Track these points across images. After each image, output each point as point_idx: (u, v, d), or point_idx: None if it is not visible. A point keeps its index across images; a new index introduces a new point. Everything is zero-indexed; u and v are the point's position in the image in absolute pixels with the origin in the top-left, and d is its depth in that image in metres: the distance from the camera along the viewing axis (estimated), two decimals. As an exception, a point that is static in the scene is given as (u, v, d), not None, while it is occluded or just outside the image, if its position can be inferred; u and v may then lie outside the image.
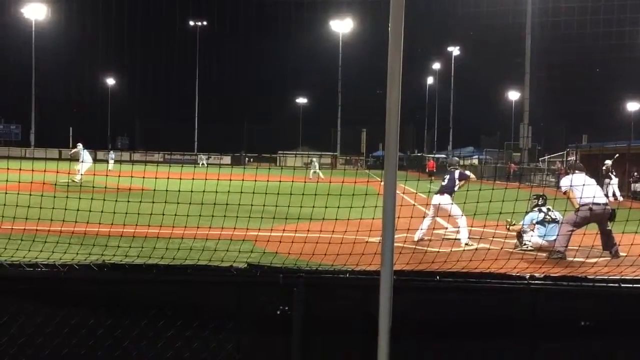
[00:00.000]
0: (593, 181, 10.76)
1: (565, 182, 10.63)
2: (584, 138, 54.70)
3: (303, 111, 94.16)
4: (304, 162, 56.85)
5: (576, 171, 10.94)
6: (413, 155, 73.02)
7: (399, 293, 3.30)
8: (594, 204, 9.88)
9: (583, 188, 9.77)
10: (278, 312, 3.64)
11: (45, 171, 5.21)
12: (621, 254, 8.90)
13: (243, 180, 5.70)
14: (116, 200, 5.42)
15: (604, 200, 10.31)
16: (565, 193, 10.38)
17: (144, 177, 5.36)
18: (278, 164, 64.78)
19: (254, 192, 4.96)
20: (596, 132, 56.57)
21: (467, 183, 11.67)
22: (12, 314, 3.67)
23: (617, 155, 25.21)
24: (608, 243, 9.67)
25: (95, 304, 3.75)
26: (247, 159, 64.05)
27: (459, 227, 11.20)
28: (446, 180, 11.88)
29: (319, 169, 37.04)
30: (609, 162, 24.90)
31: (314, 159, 42.74)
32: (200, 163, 50.03)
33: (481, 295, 3.80)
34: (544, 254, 9.84)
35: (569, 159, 35.16)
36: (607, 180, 24.69)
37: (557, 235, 9.93)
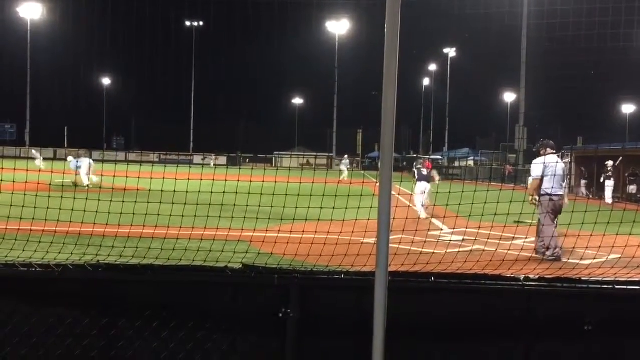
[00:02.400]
0: (562, 165, 10.74)
1: (536, 171, 10.22)
2: (579, 140, 54.89)
3: (299, 112, 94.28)
4: (299, 162, 56.75)
5: (548, 149, 10.51)
6: (409, 156, 73.11)
7: (394, 294, 3.31)
8: (554, 195, 9.92)
9: (553, 177, 9.78)
10: (280, 315, 3.63)
11: (40, 171, 5.20)
12: (563, 259, 8.92)
13: (238, 180, 5.69)
14: (111, 200, 5.41)
15: (561, 191, 10.24)
16: (535, 180, 10.13)
17: (139, 177, 5.35)
18: (274, 165, 64.79)
19: (249, 193, 4.96)
20: (591, 134, 56.79)
21: None
22: (6, 314, 3.65)
23: (621, 158, 25.18)
24: (544, 240, 9.75)
25: (89, 304, 3.74)
26: (242, 159, 64.02)
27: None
28: (425, 172, 17.25)
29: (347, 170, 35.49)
30: (610, 162, 24.85)
31: (345, 158, 40.47)
32: (211, 164, 49.47)
33: (476, 296, 3.81)
34: (540, 256, 9.86)
35: (564, 160, 35.21)
36: (607, 182, 24.69)
37: (543, 236, 9.93)
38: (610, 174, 24.97)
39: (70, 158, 24.59)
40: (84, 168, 22.79)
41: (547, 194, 9.93)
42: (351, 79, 78.00)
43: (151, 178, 5.22)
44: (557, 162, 10.37)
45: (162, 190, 5.48)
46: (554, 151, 10.64)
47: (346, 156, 40.02)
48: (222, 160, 59.39)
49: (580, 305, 3.80)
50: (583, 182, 30.39)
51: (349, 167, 36.04)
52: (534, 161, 10.56)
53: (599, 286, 3.85)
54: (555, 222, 10.00)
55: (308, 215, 5.45)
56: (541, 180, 10.04)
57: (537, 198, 10.09)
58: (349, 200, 5.01)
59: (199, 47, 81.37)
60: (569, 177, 24.95)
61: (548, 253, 9.74)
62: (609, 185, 24.84)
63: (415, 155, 71.78)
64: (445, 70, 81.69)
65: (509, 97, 74.77)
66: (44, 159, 23.04)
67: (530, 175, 10.80)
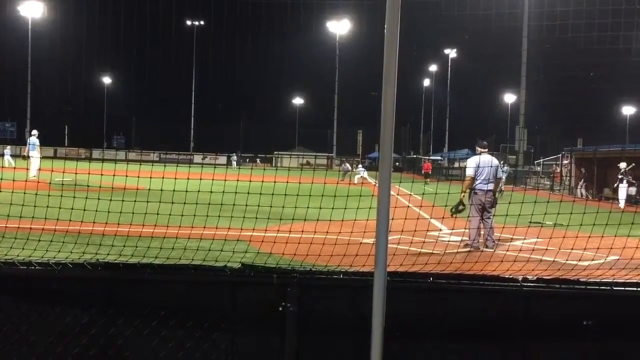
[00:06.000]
0: (496, 162, 11.43)
1: (470, 171, 11.03)
2: (578, 141, 54.91)
3: (299, 112, 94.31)
4: (299, 162, 56.70)
5: (481, 149, 11.38)
6: (408, 157, 73.15)
7: (392, 294, 3.32)
8: (479, 190, 10.75)
9: (482, 171, 10.71)
10: (280, 309, 3.64)
11: (40, 169, 5.20)
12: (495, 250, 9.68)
13: (238, 180, 5.70)
14: (110, 199, 5.42)
15: (489, 187, 10.95)
16: (468, 177, 11.00)
17: (138, 176, 5.36)
18: (273, 165, 64.80)
19: (248, 192, 4.97)
20: (591, 135, 56.78)
21: None
22: (6, 312, 3.66)
23: (634, 164, 24.91)
24: (488, 234, 10.54)
25: (89, 302, 3.75)
26: (242, 159, 64.07)
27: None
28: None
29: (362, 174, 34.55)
30: (623, 164, 24.54)
31: (361, 165, 39.25)
32: (233, 164, 48.91)
33: (474, 297, 3.82)
34: (539, 257, 9.88)
35: (564, 162, 35.24)
36: (620, 185, 24.42)
37: (470, 227, 10.66)
38: (622, 176, 24.56)
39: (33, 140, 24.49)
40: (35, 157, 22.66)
41: (472, 188, 10.88)
42: (352, 79, 78.05)
43: (151, 177, 5.23)
44: (491, 161, 11.18)
45: (161, 190, 5.48)
46: (486, 150, 11.56)
47: (360, 165, 38.51)
48: (222, 159, 59.39)
49: (578, 307, 3.81)
50: (581, 183, 30.43)
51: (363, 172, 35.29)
52: (468, 161, 11.48)
53: (597, 287, 3.86)
54: (492, 216, 10.84)
55: (307, 215, 5.46)
56: (474, 178, 10.98)
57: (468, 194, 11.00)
58: (348, 201, 5.02)
59: (199, 46, 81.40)
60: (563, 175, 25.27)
61: (469, 242, 10.49)
62: (622, 187, 24.45)
63: (415, 156, 71.86)
64: (446, 71, 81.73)
65: (509, 98, 74.75)
66: (43, 157, 23.28)
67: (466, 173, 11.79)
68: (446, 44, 79.38)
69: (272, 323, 3.66)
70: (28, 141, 24.58)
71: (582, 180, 30.69)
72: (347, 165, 44.66)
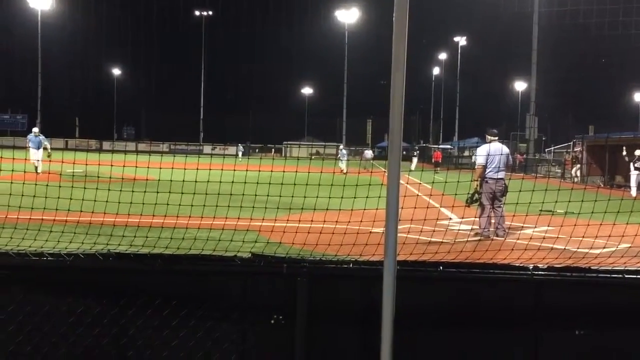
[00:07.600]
0: (507, 150, 11.49)
1: (481, 160, 11.06)
2: (590, 129, 54.47)
3: (308, 101, 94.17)
4: (308, 152, 56.65)
5: (491, 137, 11.40)
6: (418, 146, 72.93)
7: (402, 283, 3.31)
8: (490, 178, 10.78)
9: (493, 160, 10.77)
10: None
11: (50, 161, 5.23)
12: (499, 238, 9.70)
13: (247, 170, 5.71)
14: (121, 190, 5.44)
15: (499, 175, 10.95)
16: (479, 166, 11.01)
17: (148, 167, 5.37)
18: (283, 154, 64.83)
19: (257, 182, 4.97)
20: (602, 122, 56.30)
21: None
22: (19, 302, 3.70)
23: (625, 147, 24.65)
24: (499, 223, 10.58)
25: (100, 293, 3.77)
26: (251, 149, 64.11)
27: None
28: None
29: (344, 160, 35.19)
30: (638, 151, 24.15)
31: (344, 150, 39.33)
32: (239, 155, 48.71)
33: (484, 285, 3.81)
34: (550, 245, 9.85)
35: (575, 149, 35.00)
36: (632, 172, 24.11)
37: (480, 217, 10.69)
38: (637, 164, 24.08)
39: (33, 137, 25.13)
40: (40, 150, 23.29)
41: (484, 177, 10.89)
42: (361, 68, 77.71)
43: (160, 168, 5.24)
44: (501, 149, 11.18)
45: (171, 180, 5.50)
46: (497, 138, 11.55)
47: (344, 151, 38.63)
48: (232, 150, 59.49)
49: (589, 295, 3.79)
50: (576, 167, 30.72)
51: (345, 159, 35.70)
52: (479, 149, 11.52)
53: (609, 275, 3.84)
54: (503, 204, 10.88)
55: (316, 204, 5.46)
56: (485, 166, 10.99)
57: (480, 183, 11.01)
58: (358, 190, 5.01)
59: (208, 36, 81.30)
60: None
61: (479, 231, 10.55)
62: (633, 174, 24.00)
63: (425, 145, 71.72)
64: (455, 59, 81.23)
65: (520, 85, 74.21)
66: (52, 148, 23.89)
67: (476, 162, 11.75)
68: (456, 32, 78.96)
69: (282, 312, 3.67)
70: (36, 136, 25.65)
71: (577, 164, 31.28)
72: (368, 152, 44.13)
